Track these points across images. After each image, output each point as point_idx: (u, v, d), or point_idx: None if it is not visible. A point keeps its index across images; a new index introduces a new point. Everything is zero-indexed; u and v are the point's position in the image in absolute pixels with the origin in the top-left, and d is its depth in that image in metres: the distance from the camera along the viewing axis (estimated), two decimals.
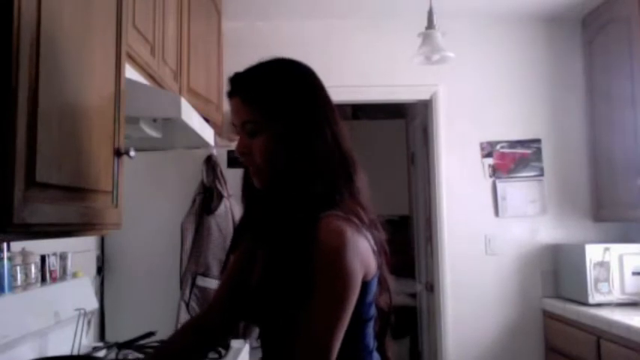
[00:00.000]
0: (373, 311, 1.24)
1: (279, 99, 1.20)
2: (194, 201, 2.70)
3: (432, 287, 3.74)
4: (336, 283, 1.11)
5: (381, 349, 1.30)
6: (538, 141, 3.65)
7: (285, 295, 1.17)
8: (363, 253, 1.16)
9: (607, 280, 3.13)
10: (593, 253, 3.17)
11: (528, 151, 3.64)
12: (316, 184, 1.18)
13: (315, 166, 1.18)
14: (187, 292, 2.65)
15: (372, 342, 1.26)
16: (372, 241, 1.20)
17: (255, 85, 1.21)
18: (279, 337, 1.23)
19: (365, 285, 1.17)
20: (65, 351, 1.93)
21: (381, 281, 1.26)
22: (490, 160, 3.63)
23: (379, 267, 1.23)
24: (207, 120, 2.45)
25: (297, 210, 1.17)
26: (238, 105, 1.22)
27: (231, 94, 1.23)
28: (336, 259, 1.11)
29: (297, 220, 1.16)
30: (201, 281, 2.66)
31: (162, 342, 1.79)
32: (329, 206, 1.16)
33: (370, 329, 1.24)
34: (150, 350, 2.10)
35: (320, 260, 1.11)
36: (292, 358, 1.12)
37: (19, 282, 1.79)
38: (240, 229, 1.38)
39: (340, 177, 1.21)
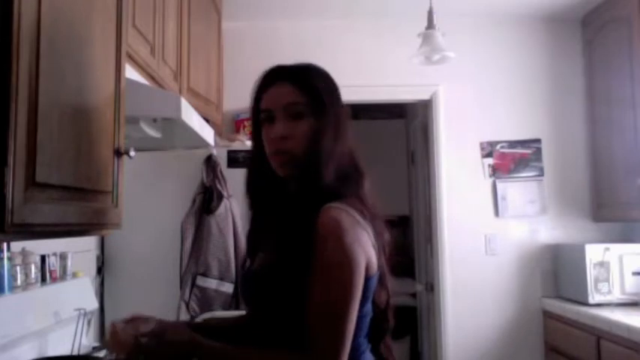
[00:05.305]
0: (367, 310, 1.23)
1: (325, 90, 1.29)
2: (194, 201, 2.69)
3: (432, 287, 3.74)
4: (338, 264, 1.14)
5: (378, 351, 1.29)
6: (538, 141, 3.65)
7: (285, 280, 1.18)
8: (363, 242, 1.18)
9: (607, 280, 3.13)
10: (593, 253, 3.17)
11: (528, 151, 3.64)
12: (332, 176, 1.22)
13: (338, 159, 1.25)
14: (187, 292, 2.65)
15: (364, 342, 1.25)
16: (373, 237, 1.22)
17: (306, 74, 1.30)
18: (275, 323, 1.23)
19: (364, 281, 1.17)
20: (65, 351, 1.93)
21: (381, 280, 1.26)
22: (490, 160, 3.63)
23: (380, 267, 1.23)
24: (207, 120, 2.45)
25: (307, 200, 1.20)
26: (287, 88, 1.26)
27: (276, 80, 1.28)
28: (337, 242, 1.14)
29: (304, 210, 1.19)
30: (201, 281, 2.65)
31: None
32: (333, 199, 1.19)
33: (363, 329, 1.23)
34: None
35: (320, 245, 1.14)
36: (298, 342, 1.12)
37: (19, 282, 1.78)
38: (251, 232, 1.39)
39: (350, 173, 1.26)
